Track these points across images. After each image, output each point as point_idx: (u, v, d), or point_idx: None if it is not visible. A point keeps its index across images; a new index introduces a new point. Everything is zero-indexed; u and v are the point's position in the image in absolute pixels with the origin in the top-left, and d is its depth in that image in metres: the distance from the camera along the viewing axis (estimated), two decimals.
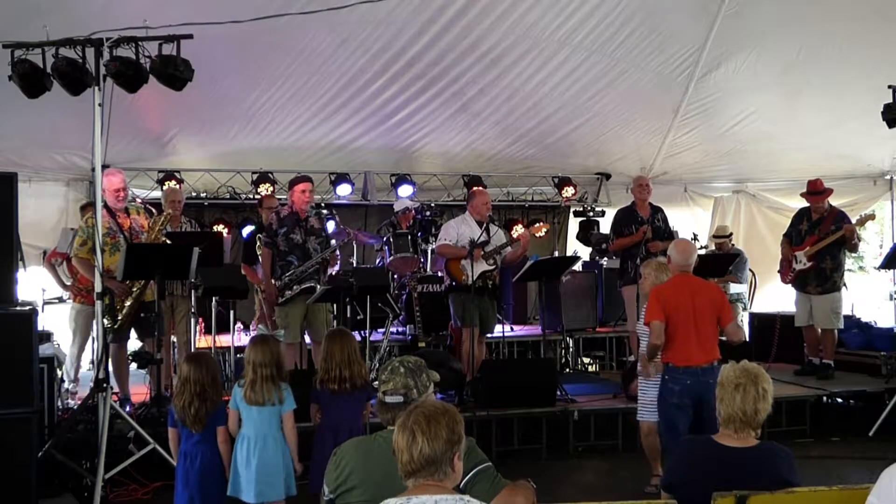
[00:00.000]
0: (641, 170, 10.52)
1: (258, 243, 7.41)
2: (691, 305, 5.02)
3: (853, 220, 7.84)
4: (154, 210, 6.65)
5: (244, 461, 4.30)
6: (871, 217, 8.06)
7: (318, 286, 6.66)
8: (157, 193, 8.71)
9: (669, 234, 8.10)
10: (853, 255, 9.01)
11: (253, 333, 8.29)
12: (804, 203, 8.15)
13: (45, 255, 7.79)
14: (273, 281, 6.78)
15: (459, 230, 7.30)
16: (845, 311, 8.14)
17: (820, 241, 7.72)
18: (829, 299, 7.79)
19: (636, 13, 7.67)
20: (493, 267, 7.25)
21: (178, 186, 8.59)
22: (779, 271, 8.18)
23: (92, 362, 7.04)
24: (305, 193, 6.79)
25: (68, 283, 7.61)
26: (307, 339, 7.02)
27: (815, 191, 7.86)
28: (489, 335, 7.64)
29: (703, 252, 9.18)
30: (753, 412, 3.12)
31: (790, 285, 8.06)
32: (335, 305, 6.93)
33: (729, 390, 3.17)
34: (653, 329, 5.03)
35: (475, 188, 9.06)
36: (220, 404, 4.36)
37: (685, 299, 5.05)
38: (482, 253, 7.16)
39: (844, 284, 7.93)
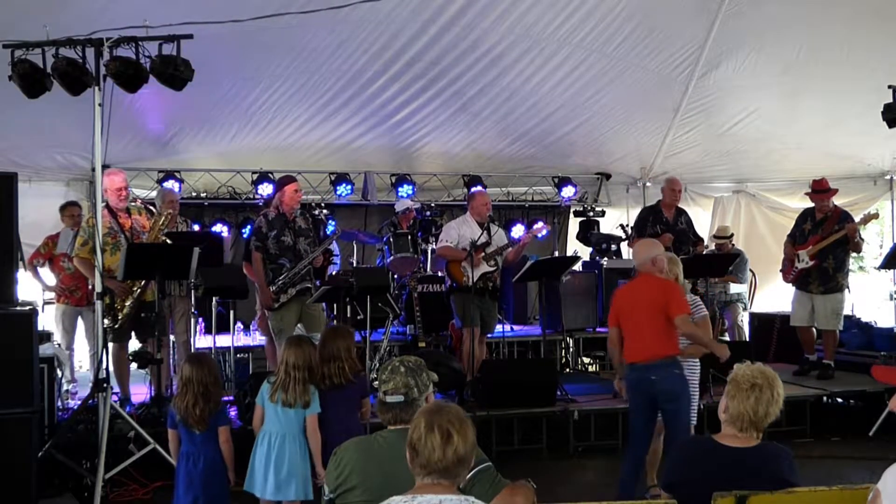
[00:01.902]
0: (641, 170, 10.53)
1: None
2: (635, 303, 5.05)
3: (857, 220, 7.84)
4: (154, 210, 6.64)
5: (264, 457, 4.32)
6: (875, 216, 8.03)
7: (312, 287, 6.63)
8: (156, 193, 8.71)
9: (695, 236, 8.14)
10: (856, 254, 8.97)
11: (254, 333, 8.35)
12: (804, 203, 8.11)
13: (27, 258, 7.68)
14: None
15: (460, 231, 7.30)
16: (845, 311, 8.12)
17: (823, 241, 7.71)
18: (831, 300, 7.77)
19: (636, 13, 7.66)
20: (494, 269, 7.25)
21: (173, 186, 8.58)
22: (781, 270, 8.17)
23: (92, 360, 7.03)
24: (298, 193, 6.69)
25: (51, 285, 7.59)
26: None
27: (820, 189, 7.84)
28: (489, 335, 7.64)
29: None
30: (764, 415, 3.11)
31: (791, 284, 8.06)
32: (335, 305, 6.92)
33: (744, 389, 3.12)
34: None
35: (474, 189, 9.05)
36: (222, 404, 4.36)
37: (634, 299, 5.09)
38: (483, 254, 7.17)
39: (848, 287, 7.91)
